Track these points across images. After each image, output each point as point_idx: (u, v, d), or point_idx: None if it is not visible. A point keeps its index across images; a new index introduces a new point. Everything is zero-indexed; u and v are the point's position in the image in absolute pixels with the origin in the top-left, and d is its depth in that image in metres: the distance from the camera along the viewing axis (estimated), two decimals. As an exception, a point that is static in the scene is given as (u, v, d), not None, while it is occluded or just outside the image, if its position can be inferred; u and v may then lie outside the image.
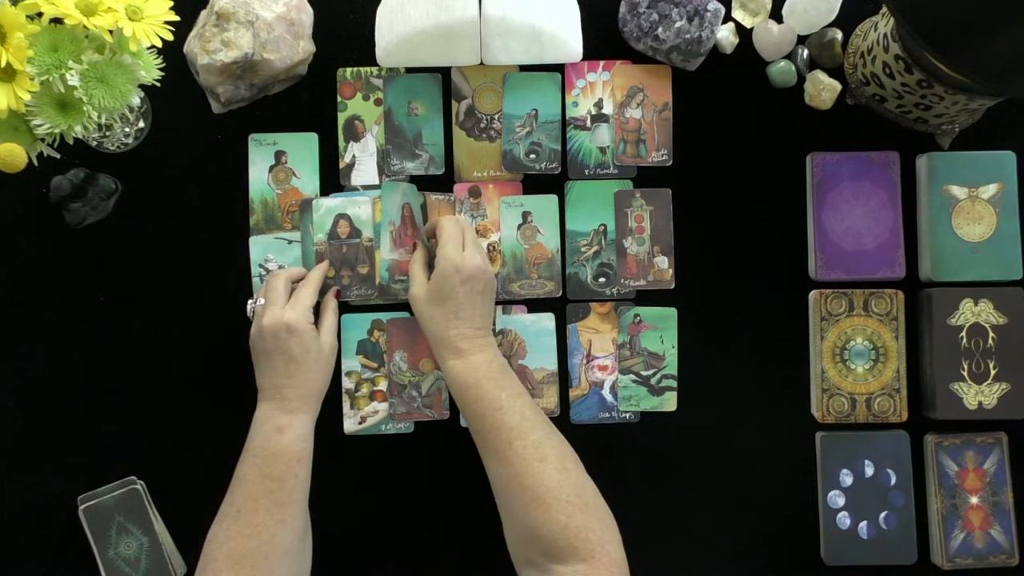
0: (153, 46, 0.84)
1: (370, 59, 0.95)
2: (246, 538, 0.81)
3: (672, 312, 0.97)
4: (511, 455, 0.82)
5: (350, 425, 0.97)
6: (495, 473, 0.84)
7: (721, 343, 0.97)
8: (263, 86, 0.95)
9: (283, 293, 0.90)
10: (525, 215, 0.97)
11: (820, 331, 0.95)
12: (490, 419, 0.84)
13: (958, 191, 0.95)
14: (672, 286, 0.97)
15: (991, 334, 0.93)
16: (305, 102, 0.98)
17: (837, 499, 0.94)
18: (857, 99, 0.97)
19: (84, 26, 0.79)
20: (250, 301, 0.93)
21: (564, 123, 0.98)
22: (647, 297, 0.98)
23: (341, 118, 0.98)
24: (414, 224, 0.96)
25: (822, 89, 0.96)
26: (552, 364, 0.97)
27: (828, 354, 0.95)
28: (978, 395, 0.93)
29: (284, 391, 0.87)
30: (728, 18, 0.97)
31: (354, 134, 0.98)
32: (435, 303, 0.89)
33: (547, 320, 0.97)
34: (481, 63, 0.94)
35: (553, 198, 0.98)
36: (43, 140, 0.84)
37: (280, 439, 0.85)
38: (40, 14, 0.79)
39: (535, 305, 0.98)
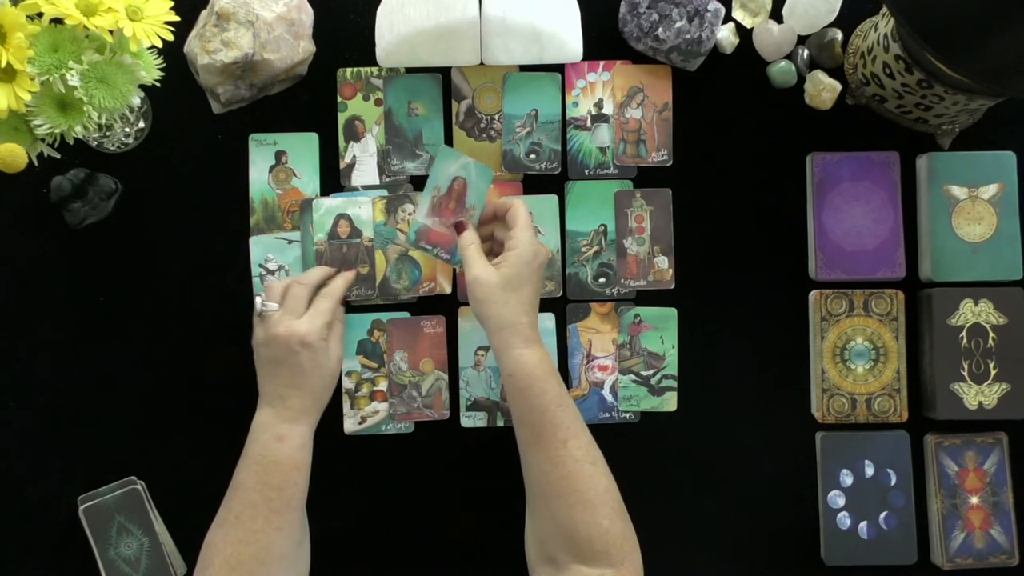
0: (153, 46, 0.84)
1: (370, 59, 0.95)
2: (244, 544, 0.81)
3: (672, 312, 0.97)
4: (564, 455, 0.81)
5: (350, 425, 0.97)
6: (541, 470, 0.82)
7: (721, 343, 0.97)
8: (263, 86, 0.96)
9: (304, 302, 0.89)
10: (525, 215, 0.97)
11: (820, 331, 0.95)
12: (550, 415, 0.82)
13: (958, 191, 0.95)
14: (672, 286, 0.97)
15: (991, 334, 0.93)
16: (305, 102, 0.98)
17: (837, 499, 0.94)
18: (857, 99, 0.97)
19: (84, 26, 0.79)
20: (258, 298, 0.89)
21: (564, 123, 0.98)
22: (647, 297, 0.98)
23: (341, 118, 0.98)
24: (460, 199, 0.94)
25: (822, 89, 0.96)
26: (552, 364, 0.97)
27: (828, 354, 0.95)
28: (978, 395, 0.93)
29: (287, 400, 0.86)
30: (728, 18, 0.97)
31: (354, 134, 0.98)
32: (511, 288, 0.85)
33: (547, 320, 0.97)
34: (481, 63, 0.94)
35: (553, 198, 0.98)
36: (43, 140, 0.84)
37: (280, 448, 0.84)
38: (40, 14, 0.79)
39: (535, 305, 0.98)
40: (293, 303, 0.88)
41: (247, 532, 0.81)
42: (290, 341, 0.86)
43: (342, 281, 0.93)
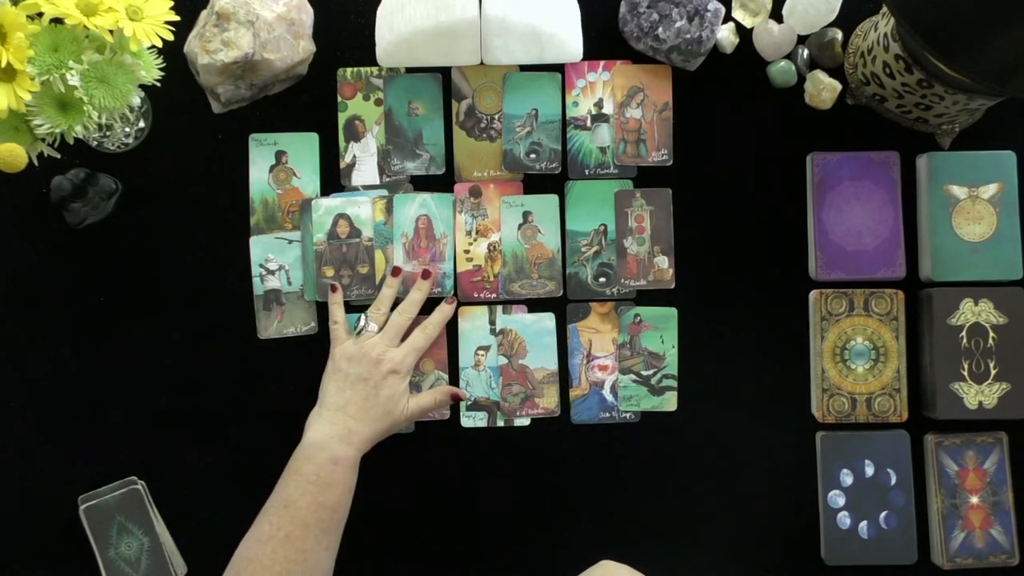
0: (153, 46, 0.84)
1: (370, 59, 0.95)
2: (294, 563, 0.80)
3: (672, 312, 0.97)
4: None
5: (350, 425, 0.97)
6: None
7: (721, 343, 0.97)
8: (263, 86, 0.96)
9: (402, 333, 0.92)
10: (526, 215, 0.97)
11: (820, 331, 0.95)
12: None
13: (958, 191, 0.95)
14: (672, 286, 0.97)
15: (991, 334, 0.93)
16: (305, 102, 0.98)
17: (837, 499, 0.94)
18: (857, 99, 0.97)
19: (84, 26, 0.79)
20: (363, 316, 0.92)
21: (564, 123, 0.98)
22: (647, 297, 0.98)
23: (341, 118, 0.98)
24: (429, 235, 0.95)
25: (822, 89, 0.96)
26: (552, 364, 0.97)
27: (828, 354, 0.95)
28: (978, 395, 0.93)
29: (350, 423, 0.86)
30: (728, 18, 0.97)
31: (354, 134, 0.98)
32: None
33: (547, 320, 0.97)
34: (481, 63, 0.94)
35: (553, 198, 0.98)
36: (43, 140, 0.84)
37: (335, 470, 0.84)
38: (40, 14, 0.79)
39: (535, 305, 0.98)
40: (393, 330, 0.91)
41: (298, 552, 0.81)
42: (382, 364, 0.87)
43: (440, 316, 0.94)
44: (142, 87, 0.87)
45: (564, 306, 0.97)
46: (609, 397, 0.97)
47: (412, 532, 0.96)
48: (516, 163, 0.98)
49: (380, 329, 0.91)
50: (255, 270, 0.97)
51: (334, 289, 0.93)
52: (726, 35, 0.96)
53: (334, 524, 0.84)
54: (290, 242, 0.97)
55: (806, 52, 0.97)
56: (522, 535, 0.96)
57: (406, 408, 0.89)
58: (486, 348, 0.97)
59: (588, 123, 0.98)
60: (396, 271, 0.93)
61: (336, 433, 0.85)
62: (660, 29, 0.94)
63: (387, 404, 0.87)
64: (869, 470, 0.94)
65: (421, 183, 0.98)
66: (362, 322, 0.91)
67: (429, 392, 0.93)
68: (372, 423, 0.87)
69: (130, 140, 0.95)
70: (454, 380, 0.97)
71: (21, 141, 0.82)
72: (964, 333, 0.93)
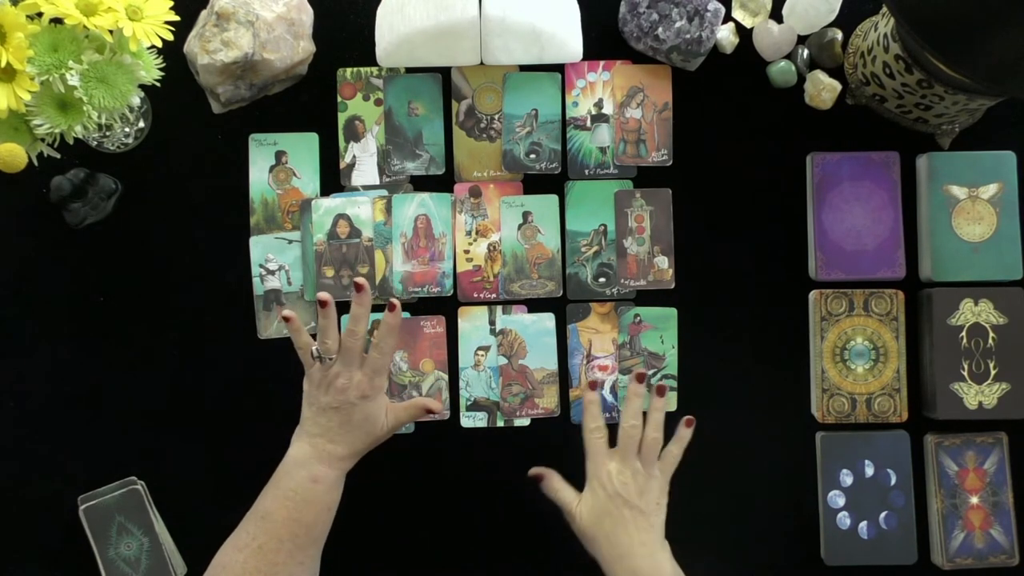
0: (153, 46, 0.84)
1: (370, 59, 0.95)
2: (262, 575, 0.80)
3: (672, 312, 0.97)
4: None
5: (350, 425, 0.96)
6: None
7: (721, 343, 0.97)
8: (263, 86, 0.95)
9: (360, 353, 0.85)
10: (525, 215, 0.97)
11: (820, 331, 0.95)
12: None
13: (958, 191, 0.95)
14: (672, 286, 0.97)
15: (991, 334, 0.93)
16: (305, 102, 0.98)
17: (837, 499, 0.94)
18: (857, 99, 0.97)
19: (84, 26, 0.79)
20: (315, 347, 0.86)
21: (564, 123, 0.98)
22: (647, 297, 0.98)
23: (341, 118, 0.98)
24: (428, 235, 0.95)
25: (822, 89, 0.96)
26: (552, 364, 0.97)
27: (828, 354, 0.95)
28: (978, 395, 0.93)
29: (330, 446, 0.85)
30: (728, 18, 0.97)
31: (354, 134, 0.98)
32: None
33: (547, 320, 0.97)
34: (481, 63, 0.94)
35: (553, 198, 0.98)
36: (43, 140, 0.84)
37: (315, 488, 0.83)
38: (40, 14, 0.79)
39: (535, 305, 0.98)
40: (349, 355, 0.85)
41: (268, 564, 0.81)
42: (348, 392, 0.84)
43: (385, 328, 0.86)
44: (142, 87, 0.86)
45: (564, 306, 0.97)
46: (609, 397, 0.97)
47: (412, 532, 0.96)
48: (516, 163, 0.98)
49: (338, 352, 0.86)
50: (255, 270, 0.97)
51: (288, 319, 0.87)
52: (726, 35, 0.96)
53: (309, 541, 0.83)
54: (290, 242, 0.97)
55: (806, 52, 0.97)
56: (522, 535, 0.96)
57: (385, 424, 0.87)
58: (486, 348, 0.97)
59: (588, 123, 0.98)
60: (323, 303, 0.85)
61: (316, 455, 0.84)
62: (660, 29, 0.94)
63: (364, 425, 0.86)
64: (869, 470, 0.94)
65: (421, 183, 0.98)
66: (314, 352, 0.86)
67: (407, 406, 0.89)
68: (352, 444, 0.85)
69: (130, 140, 0.95)
70: (454, 380, 0.97)
71: (21, 141, 0.82)
72: (964, 333, 0.93)
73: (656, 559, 0.85)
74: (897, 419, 0.94)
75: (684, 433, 0.91)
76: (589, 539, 0.87)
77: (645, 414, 0.90)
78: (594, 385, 0.92)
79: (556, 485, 0.90)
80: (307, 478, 0.83)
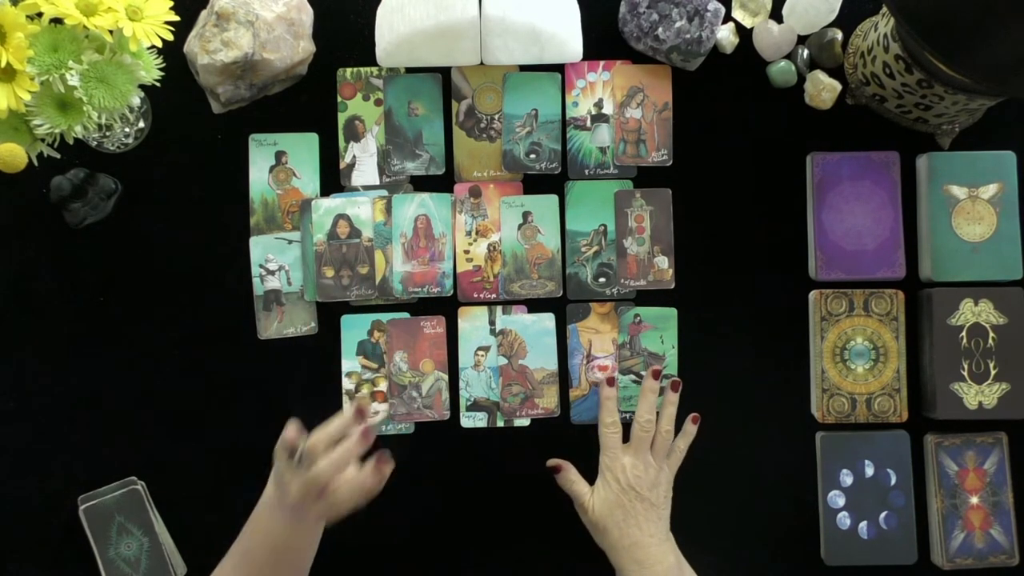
0: (153, 46, 0.84)
1: (370, 59, 0.95)
2: None
3: (672, 312, 0.97)
4: None
5: (350, 425, 0.96)
6: None
7: (721, 343, 0.97)
8: (263, 86, 0.95)
9: (327, 482, 0.82)
10: (525, 215, 0.97)
11: (820, 331, 0.95)
12: None
13: (958, 191, 0.95)
14: (672, 286, 0.97)
15: (991, 334, 0.93)
16: (305, 102, 0.98)
17: (837, 499, 0.94)
18: (857, 99, 0.97)
19: (84, 26, 0.79)
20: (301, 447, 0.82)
21: (564, 123, 0.98)
22: (647, 297, 0.98)
23: (341, 118, 0.98)
24: (428, 235, 0.95)
25: (822, 89, 0.96)
26: (552, 364, 0.97)
27: (828, 354, 0.95)
28: (978, 395, 0.93)
29: (301, 512, 0.82)
30: (728, 18, 0.97)
31: (354, 134, 0.98)
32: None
33: (547, 320, 0.97)
34: (481, 63, 0.94)
35: (553, 198, 0.98)
36: (43, 140, 0.84)
37: (294, 536, 0.83)
38: (40, 14, 0.79)
39: (535, 305, 0.98)
40: (317, 483, 0.81)
41: None
42: (308, 495, 0.81)
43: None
44: (142, 87, 0.86)
45: (564, 306, 0.97)
46: (609, 397, 0.97)
47: (412, 532, 0.96)
48: (516, 163, 0.98)
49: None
50: (255, 270, 0.97)
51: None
52: (726, 35, 0.96)
53: (293, 573, 0.84)
54: (290, 242, 0.97)
55: (806, 52, 0.97)
56: (522, 535, 0.96)
57: (351, 504, 0.84)
58: (486, 348, 0.97)
59: (588, 123, 0.98)
60: (291, 445, 0.82)
61: (289, 516, 0.82)
62: (660, 29, 0.94)
63: (331, 511, 0.83)
64: (869, 470, 0.94)
65: (421, 183, 0.98)
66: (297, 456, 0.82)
67: (362, 474, 0.84)
68: (326, 515, 0.83)
69: (130, 140, 0.95)
70: (454, 380, 0.97)
71: (21, 141, 0.82)
72: (964, 333, 0.93)
73: (663, 548, 0.88)
74: (897, 419, 0.94)
75: (690, 429, 0.93)
76: (600, 530, 0.89)
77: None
78: (612, 382, 0.93)
79: (572, 477, 0.92)
80: (285, 528, 0.82)
